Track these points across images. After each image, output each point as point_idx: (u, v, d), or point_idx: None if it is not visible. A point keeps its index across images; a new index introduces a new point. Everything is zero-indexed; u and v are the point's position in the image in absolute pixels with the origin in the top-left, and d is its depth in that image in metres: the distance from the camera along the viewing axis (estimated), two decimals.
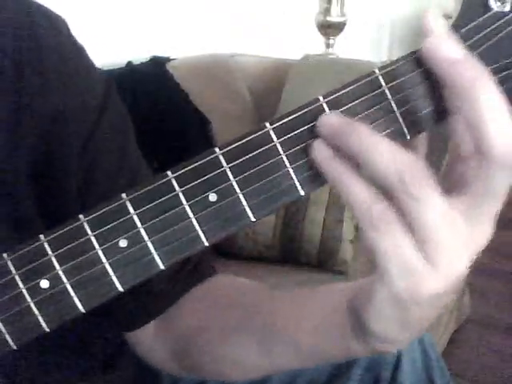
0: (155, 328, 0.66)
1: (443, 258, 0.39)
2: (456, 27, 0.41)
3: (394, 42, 3.04)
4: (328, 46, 2.31)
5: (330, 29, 2.28)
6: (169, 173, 0.41)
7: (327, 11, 2.25)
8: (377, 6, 2.99)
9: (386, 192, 0.39)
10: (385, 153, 0.38)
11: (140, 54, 1.69)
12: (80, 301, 0.43)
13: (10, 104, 0.59)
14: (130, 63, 1.65)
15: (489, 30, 0.40)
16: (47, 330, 0.43)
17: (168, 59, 1.70)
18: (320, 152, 0.40)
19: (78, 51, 0.66)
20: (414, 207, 0.38)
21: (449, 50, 0.39)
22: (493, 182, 0.39)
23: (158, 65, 1.65)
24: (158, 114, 1.56)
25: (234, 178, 0.41)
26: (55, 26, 0.64)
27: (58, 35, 0.64)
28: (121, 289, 0.42)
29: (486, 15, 0.40)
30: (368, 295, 0.43)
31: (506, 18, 0.40)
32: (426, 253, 0.39)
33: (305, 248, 1.48)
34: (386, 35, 3.14)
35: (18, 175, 0.60)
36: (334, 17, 2.26)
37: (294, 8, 2.37)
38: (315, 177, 0.41)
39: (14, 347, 0.44)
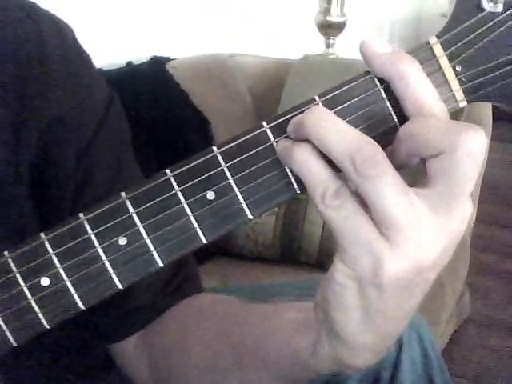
0: (136, 340, 0.66)
1: (403, 238, 0.38)
2: (450, 27, 0.41)
3: (393, 42, 3.04)
4: (328, 45, 2.31)
5: (330, 29, 2.28)
6: (167, 171, 0.42)
7: (327, 11, 2.25)
8: (377, 6, 2.99)
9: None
10: (336, 134, 0.38)
11: (140, 54, 1.69)
12: (80, 298, 0.43)
13: (12, 107, 0.60)
14: (130, 63, 1.65)
15: (482, 30, 0.41)
16: (48, 327, 0.44)
17: (168, 59, 1.70)
18: (280, 143, 0.41)
19: (83, 59, 0.66)
20: (367, 187, 0.38)
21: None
22: (454, 175, 0.38)
23: (157, 65, 1.65)
24: (158, 114, 1.56)
25: (232, 176, 0.41)
26: (61, 32, 0.64)
27: (64, 42, 0.64)
28: (120, 286, 0.43)
29: (479, 15, 0.40)
30: (329, 275, 0.42)
31: (499, 18, 0.40)
32: (385, 232, 0.38)
33: (305, 248, 1.48)
34: (386, 35, 3.14)
35: (18, 177, 0.60)
36: (334, 17, 2.26)
37: (293, 8, 2.37)
38: None
39: (15, 344, 0.44)
